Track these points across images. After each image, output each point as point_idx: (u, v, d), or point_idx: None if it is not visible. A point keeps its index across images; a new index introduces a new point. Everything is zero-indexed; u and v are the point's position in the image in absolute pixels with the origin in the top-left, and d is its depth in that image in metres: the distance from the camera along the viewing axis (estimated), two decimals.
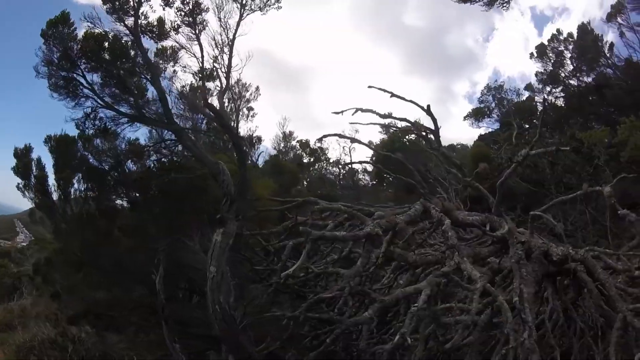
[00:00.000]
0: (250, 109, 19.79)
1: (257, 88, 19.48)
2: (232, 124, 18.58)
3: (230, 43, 9.08)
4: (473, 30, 51.51)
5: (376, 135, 32.47)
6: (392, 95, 7.40)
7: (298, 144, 27.13)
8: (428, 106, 7.72)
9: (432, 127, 8.20)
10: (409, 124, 8.30)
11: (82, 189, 10.92)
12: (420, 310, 4.70)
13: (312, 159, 27.43)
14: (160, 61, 9.94)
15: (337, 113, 7.07)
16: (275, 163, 18.07)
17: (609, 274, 5.81)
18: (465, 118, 26.47)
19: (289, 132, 25.31)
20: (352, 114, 7.48)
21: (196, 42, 9.41)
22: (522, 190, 19.22)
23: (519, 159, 7.06)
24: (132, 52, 9.38)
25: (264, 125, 44.06)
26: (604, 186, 7.05)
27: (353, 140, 10.66)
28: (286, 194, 14.54)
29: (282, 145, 24.74)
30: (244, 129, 19.60)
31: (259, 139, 20.62)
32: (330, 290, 6.28)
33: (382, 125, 8.98)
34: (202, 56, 9.35)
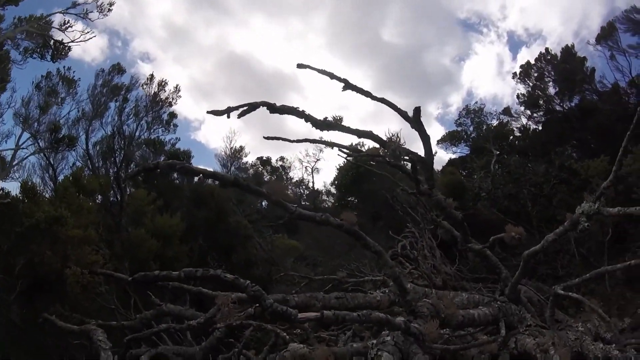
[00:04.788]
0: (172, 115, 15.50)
1: (177, 87, 15.27)
2: None
3: None
4: (450, 50, 49.47)
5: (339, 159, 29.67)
6: (346, 85, 4.29)
7: (258, 161, 23.89)
8: (417, 110, 4.51)
9: (422, 153, 4.94)
10: (381, 146, 4.89)
11: None
12: None
13: (273, 178, 24.26)
14: None
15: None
16: (195, 191, 13.98)
17: None
18: (438, 142, 23.60)
19: (239, 147, 21.19)
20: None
21: None
22: (496, 222, 16.75)
23: (584, 223, 4.11)
24: None
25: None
26: None
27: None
28: (212, 229, 11.29)
29: (229, 164, 20.76)
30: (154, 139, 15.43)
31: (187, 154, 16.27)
32: None
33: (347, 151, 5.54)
34: None
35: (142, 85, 14.75)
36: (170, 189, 14.29)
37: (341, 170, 20.13)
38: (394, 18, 45.57)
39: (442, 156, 28.10)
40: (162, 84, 14.58)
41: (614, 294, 9.65)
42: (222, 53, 42.77)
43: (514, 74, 20.28)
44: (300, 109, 4.22)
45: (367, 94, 4.66)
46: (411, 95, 42.97)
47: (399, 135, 4.63)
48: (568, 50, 19.45)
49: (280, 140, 5.31)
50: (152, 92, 14.48)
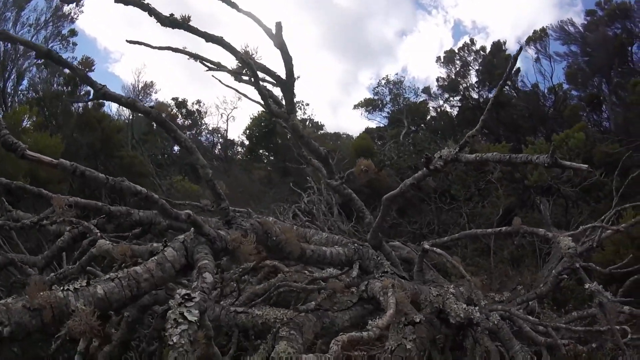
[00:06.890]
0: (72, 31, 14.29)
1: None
2: None
3: None
4: (395, 23, 48.64)
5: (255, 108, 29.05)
6: None
7: (173, 102, 22.66)
8: (278, 25, 4.28)
9: (284, 75, 4.80)
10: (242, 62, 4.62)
11: None
12: None
13: (188, 122, 23.22)
14: None
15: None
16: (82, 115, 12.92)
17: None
18: (355, 107, 23.96)
19: (150, 82, 19.33)
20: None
21: None
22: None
23: (439, 162, 4.19)
24: None
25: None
26: None
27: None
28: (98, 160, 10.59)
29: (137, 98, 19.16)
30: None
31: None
32: None
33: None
34: None
35: None
36: (66, 114, 13.22)
37: (254, 120, 19.69)
38: None
39: (362, 124, 28.63)
40: None
41: (497, 270, 10.28)
42: None
43: (438, 57, 20.80)
44: (146, 2, 3.88)
45: (232, 5, 4.39)
46: (348, 60, 41.90)
47: (255, 49, 4.40)
48: (498, 46, 20.04)
49: (143, 46, 4.90)
50: (54, 4, 13.13)
